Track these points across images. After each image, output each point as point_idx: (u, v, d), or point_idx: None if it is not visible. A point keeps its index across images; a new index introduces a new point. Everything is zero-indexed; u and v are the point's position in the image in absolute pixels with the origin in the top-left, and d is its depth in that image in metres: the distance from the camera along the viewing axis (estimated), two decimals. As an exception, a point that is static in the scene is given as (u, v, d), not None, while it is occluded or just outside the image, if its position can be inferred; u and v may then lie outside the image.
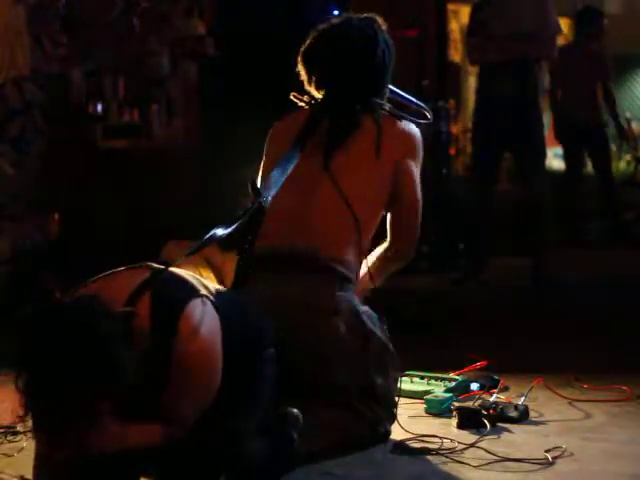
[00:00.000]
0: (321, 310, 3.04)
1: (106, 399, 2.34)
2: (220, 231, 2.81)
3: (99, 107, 6.34)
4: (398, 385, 3.22)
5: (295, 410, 2.83)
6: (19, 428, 3.28)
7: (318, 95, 3.27)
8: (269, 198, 2.99)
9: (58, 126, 6.23)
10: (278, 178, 3.08)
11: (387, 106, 3.26)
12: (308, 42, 3.28)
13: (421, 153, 3.26)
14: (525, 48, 5.92)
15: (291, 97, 3.29)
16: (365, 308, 3.15)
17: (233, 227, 2.85)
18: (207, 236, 2.77)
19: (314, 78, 3.25)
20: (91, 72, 6.38)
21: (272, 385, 2.75)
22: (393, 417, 3.15)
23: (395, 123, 3.23)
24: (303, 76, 3.27)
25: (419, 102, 3.37)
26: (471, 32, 6.21)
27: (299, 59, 3.27)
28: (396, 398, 3.18)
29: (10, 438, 3.25)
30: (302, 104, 3.28)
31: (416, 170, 3.23)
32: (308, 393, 2.98)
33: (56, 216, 5.93)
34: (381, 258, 3.26)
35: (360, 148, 3.18)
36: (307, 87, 3.28)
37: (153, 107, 6.54)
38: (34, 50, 6.12)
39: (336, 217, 3.11)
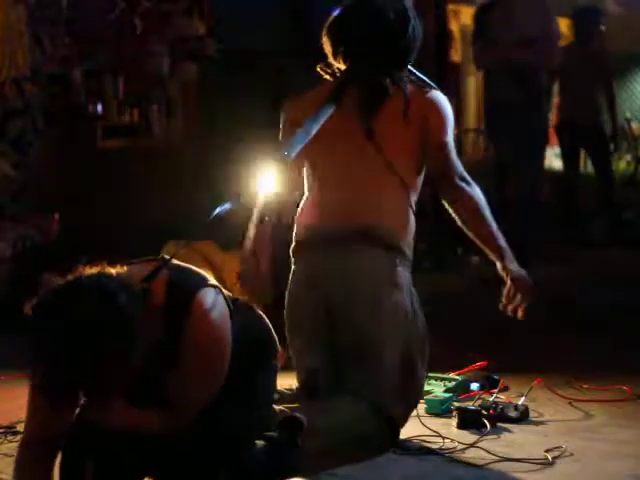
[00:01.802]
0: (384, 281, 3.07)
1: (116, 371, 2.35)
2: (228, 205, 2.84)
3: (99, 107, 6.34)
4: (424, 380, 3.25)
5: (299, 415, 2.84)
6: (19, 428, 3.28)
7: (343, 67, 3.25)
8: (292, 155, 2.99)
9: (58, 126, 6.22)
10: (301, 138, 3.07)
11: (412, 77, 3.24)
12: (336, 15, 3.26)
13: (450, 118, 3.20)
14: (528, 54, 5.93)
15: (317, 69, 3.29)
16: (414, 290, 3.16)
17: (240, 200, 2.88)
18: (216, 211, 2.79)
19: (341, 50, 3.22)
20: (91, 72, 6.38)
21: (274, 389, 2.75)
22: (405, 418, 3.14)
23: (422, 91, 3.21)
24: (327, 49, 3.25)
25: (431, 83, 3.36)
26: (476, 37, 6.21)
27: (325, 32, 3.26)
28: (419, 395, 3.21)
29: (10, 438, 3.26)
30: (327, 76, 3.28)
31: (446, 135, 3.17)
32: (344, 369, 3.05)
33: (56, 216, 5.92)
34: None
35: (392, 116, 3.16)
36: (331, 60, 3.26)
37: (153, 107, 6.54)
38: (34, 50, 6.12)
39: (389, 189, 3.13)
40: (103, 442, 2.50)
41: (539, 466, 2.90)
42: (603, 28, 7.82)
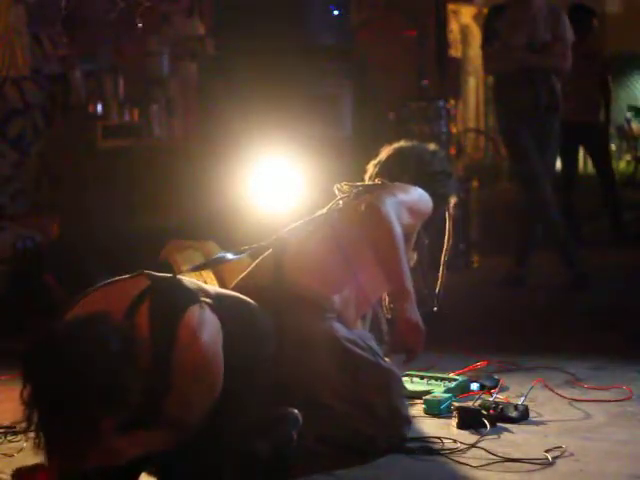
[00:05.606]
0: (301, 343, 3.05)
1: (110, 417, 2.35)
2: (230, 255, 2.89)
3: (99, 107, 6.34)
4: (404, 400, 3.22)
5: (295, 410, 2.84)
6: (19, 428, 3.28)
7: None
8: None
9: (58, 126, 6.22)
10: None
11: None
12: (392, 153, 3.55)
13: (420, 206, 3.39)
14: (540, 59, 5.93)
15: (341, 185, 3.47)
16: (345, 333, 3.12)
17: (241, 255, 2.95)
18: (217, 256, 2.84)
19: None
20: (91, 72, 6.38)
21: (271, 385, 2.75)
22: (399, 433, 3.13)
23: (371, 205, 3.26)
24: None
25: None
26: (486, 41, 6.19)
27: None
28: (406, 413, 3.18)
29: (10, 438, 3.26)
30: (340, 193, 3.44)
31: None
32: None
33: (56, 216, 5.92)
34: None
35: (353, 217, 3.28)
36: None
37: (153, 107, 6.54)
38: (34, 50, 6.12)
39: (330, 259, 3.20)
40: None
41: (539, 466, 2.90)
42: (595, 25, 7.82)
